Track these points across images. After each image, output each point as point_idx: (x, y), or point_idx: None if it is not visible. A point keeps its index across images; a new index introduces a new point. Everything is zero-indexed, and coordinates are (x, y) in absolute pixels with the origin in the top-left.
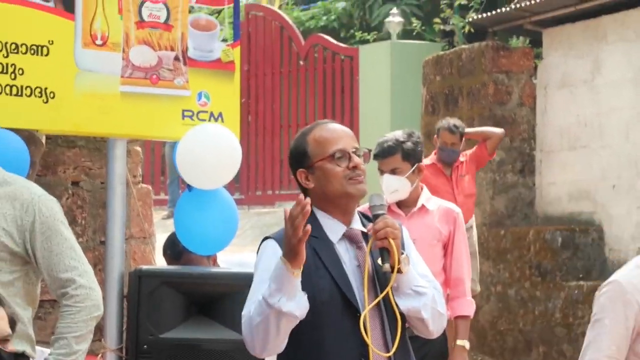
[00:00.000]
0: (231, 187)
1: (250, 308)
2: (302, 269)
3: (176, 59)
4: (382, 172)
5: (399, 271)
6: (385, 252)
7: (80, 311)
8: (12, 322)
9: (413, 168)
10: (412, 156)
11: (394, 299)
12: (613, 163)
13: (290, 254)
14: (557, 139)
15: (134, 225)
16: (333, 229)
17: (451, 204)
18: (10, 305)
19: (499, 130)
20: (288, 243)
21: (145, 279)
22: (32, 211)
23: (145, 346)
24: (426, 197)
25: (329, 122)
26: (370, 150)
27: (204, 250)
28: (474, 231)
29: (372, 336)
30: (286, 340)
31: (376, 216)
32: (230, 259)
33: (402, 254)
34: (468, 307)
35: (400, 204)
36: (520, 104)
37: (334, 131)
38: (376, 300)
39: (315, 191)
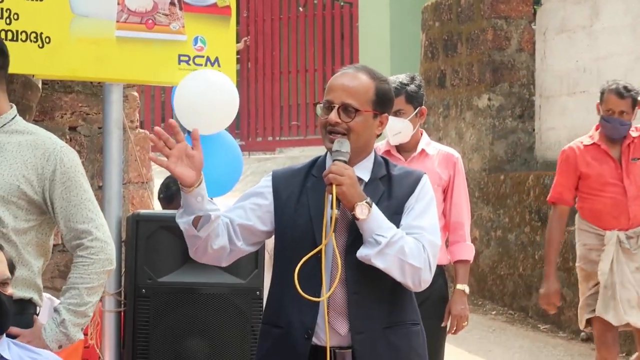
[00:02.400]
0: (231, 133)
1: None
2: (193, 187)
3: (172, 3)
4: None
5: (355, 217)
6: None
7: (94, 263)
8: (12, 266)
9: (416, 111)
10: (415, 99)
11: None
12: None
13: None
14: (556, 84)
15: (132, 170)
16: None
17: (451, 149)
18: (20, 252)
19: None
20: None
21: (142, 223)
22: (54, 160)
23: (143, 290)
24: (426, 142)
25: (346, 69)
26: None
27: (208, 193)
28: None
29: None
30: (214, 253)
31: (333, 162)
32: (229, 203)
33: (365, 200)
34: (468, 251)
35: (400, 148)
36: (520, 49)
37: (334, 80)
38: (324, 242)
39: None
